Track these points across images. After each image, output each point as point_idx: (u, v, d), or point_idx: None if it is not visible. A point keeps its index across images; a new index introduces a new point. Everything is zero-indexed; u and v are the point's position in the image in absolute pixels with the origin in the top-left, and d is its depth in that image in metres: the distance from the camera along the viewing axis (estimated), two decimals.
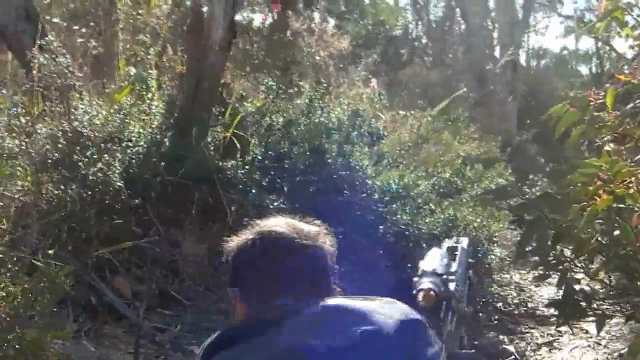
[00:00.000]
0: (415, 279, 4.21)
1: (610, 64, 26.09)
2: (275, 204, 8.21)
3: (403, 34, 27.12)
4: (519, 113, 24.43)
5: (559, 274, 5.09)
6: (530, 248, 5.14)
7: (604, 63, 28.84)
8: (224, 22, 8.83)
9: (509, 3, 26.70)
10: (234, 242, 2.38)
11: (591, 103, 5.31)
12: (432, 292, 4.03)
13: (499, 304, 9.77)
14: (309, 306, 2.16)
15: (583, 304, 4.88)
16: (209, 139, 8.73)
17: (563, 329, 7.82)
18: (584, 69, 33.04)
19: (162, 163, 8.17)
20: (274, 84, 9.68)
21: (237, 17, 11.61)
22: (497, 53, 26.31)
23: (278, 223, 2.40)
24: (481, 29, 26.69)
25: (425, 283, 4.09)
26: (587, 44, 32.07)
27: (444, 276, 4.28)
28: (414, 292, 4.14)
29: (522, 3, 28.83)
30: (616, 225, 4.64)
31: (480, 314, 8.93)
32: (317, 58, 13.24)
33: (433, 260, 4.34)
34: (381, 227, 8.56)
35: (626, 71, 5.50)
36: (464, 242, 4.89)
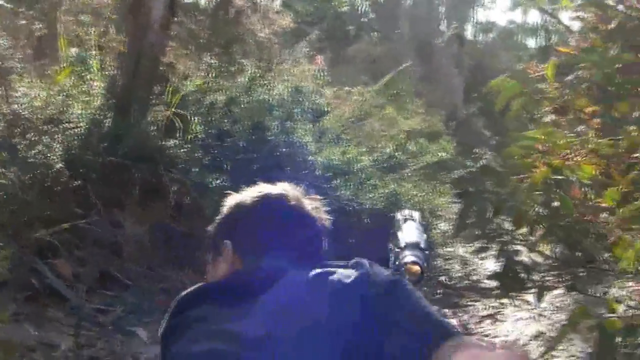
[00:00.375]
0: (397, 250, 4.13)
1: (558, 37, 26.23)
2: (217, 182, 8.17)
3: (350, 10, 27.05)
4: (465, 87, 24.49)
5: (499, 246, 5.10)
6: (470, 221, 5.13)
7: (551, 36, 28.98)
8: (164, 1, 8.75)
9: None
10: (234, 198, 2.36)
11: (532, 75, 5.30)
12: (417, 267, 3.96)
13: (443, 278, 9.81)
14: (299, 273, 2.14)
15: (523, 275, 4.88)
16: (151, 119, 8.66)
17: (507, 301, 7.87)
18: (531, 43, 33.18)
19: (104, 144, 8.10)
20: (216, 62, 9.61)
21: None
22: (444, 27, 26.34)
23: (284, 188, 2.39)
24: (428, 3, 26.72)
25: (409, 257, 4.03)
26: (534, 17, 32.10)
27: (426, 251, 4.22)
28: (396, 264, 4.07)
29: None
30: (555, 197, 4.65)
31: (425, 288, 8.95)
32: (261, 35, 13.14)
33: (413, 232, 4.28)
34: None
35: (572, 43, 5.49)
36: (417, 215, 4.85)
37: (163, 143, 8.38)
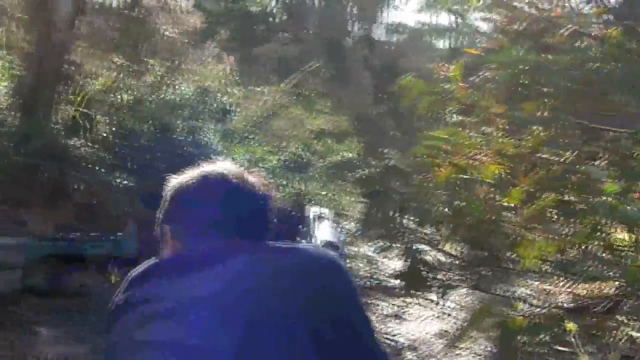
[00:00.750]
0: None
1: (467, 39, 26.48)
2: (124, 182, 8.08)
3: (260, 11, 26.97)
4: (374, 88, 24.53)
5: (404, 245, 5.11)
6: (376, 220, 5.13)
7: (461, 38, 29.25)
8: (70, 0, 8.64)
9: None
10: (173, 180, 2.27)
11: (440, 76, 5.33)
12: None
13: None
14: (240, 252, 2.07)
15: (427, 274, 4.90)
16: (57, 119, 8.53)
17: (411, 300, 7.90)
18: (441, 44, 33.40)
19: (9, 143, 7.96)
20: (124, 61, 9.52)
21: None
22: (353, 28, 26.37)
23: (223, 166, 2.28)
24: (338, 4, 26.73)
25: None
26: (445, 19, 32.41)
27: (339, 249, 4.17)
28: None
29: None
30: (460, 196, 4.67)
31: None
32: (170, 35, 13.01)
33: (327, 232, 4.22)
34: None
35: (480, 45, 5.53)
36: (329, 214, 4.82)
37: (69, 142, 8.25)
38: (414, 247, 4.83)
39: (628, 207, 3.86)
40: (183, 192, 2.18)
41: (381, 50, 26.74)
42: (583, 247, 4.55)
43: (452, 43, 30.18)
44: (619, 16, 5.48)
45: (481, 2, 5.81)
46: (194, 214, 2.19)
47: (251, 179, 2.20)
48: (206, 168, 2.21)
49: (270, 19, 27.05)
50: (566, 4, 5.75)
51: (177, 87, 9.31)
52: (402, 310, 8.19)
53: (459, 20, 26.89)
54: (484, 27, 6.53)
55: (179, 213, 2.20)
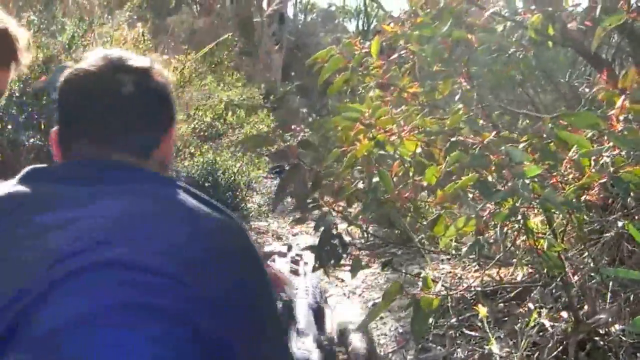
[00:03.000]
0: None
1: (377, 21, 26.64)
2: (32, 140, 7.84)
3: None
4: (284, 65, 24.56)
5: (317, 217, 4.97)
6: (288, 192, 4.99)
7: (371, 20, 29.44)
8: None
9: None
10: (70, 68, 1.95)
11: (356, 51, 5.21)
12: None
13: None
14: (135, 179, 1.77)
15: (339, 249, 4.77)
16: None
17: (322, 278, 7.81)
18: (351, 26, 33.56)
19: None
20: (35, 19, 9.23)
21: None
22: (265, 4, 26.28)
23: (97, 54, 1.97)
24: None
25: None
26: (355, 1, 32.70)
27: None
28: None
29: None
30: (375, 172, 4.56)
31: None
32: None
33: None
34: None
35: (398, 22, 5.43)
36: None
37: None
38: (326, 220, 4.68)
39: (547, 190, 3.80)
40: (58, 90, 1.90)
41: (292, 28, 26.79)
42: (499, 229, 4.49)
43: (362, 25, 30.44)
44: (538, 2, 5.44)
45: None
46: (62, 116, 1.91)
47: (131, 61, 1.92)
48: (104, 52, 1.93)
49: None
50: None
51: (90, 48, 9.04)
52: None
53: (369, 2, 27.07)
54: (395, 11, 6.45)
55: (65, 110, 1.92)
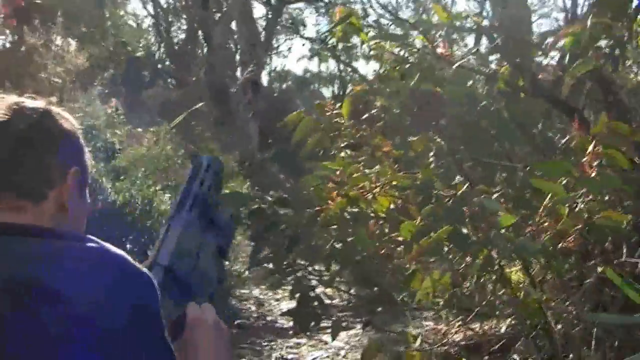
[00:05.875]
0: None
1: (353, 86, 26.66)
2: None
3: (146, 55, 26.90)
4: (261, 132, 24.57)
5: (293, 281, 4.92)
6: (264, 255, 4.94)
7: (346, 85, 29.55)
8: None
9: (251, 24, 26.78)
10: None
11: (328, 113, 5.22)
12: None
13: (238, 321, 9.57)
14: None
15: (319, 311, 4.71)
16: None
17: (303, 341, 7.73)
18: (326, 92, 33.62)
19: None
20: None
21: None
22: (239, 73, 26.41)
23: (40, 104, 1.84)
24: (223, 49, 26.77)
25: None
26: (330, 66, 32.74)
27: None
28: None
29: (264, 25, 29.07)
30: (350, 230, 4.53)
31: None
32: (54, 73, 12.80)
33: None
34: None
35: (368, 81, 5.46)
36: None
37: None
38: (304, 283, 4.63)
39: (522, 238, 3.78)
40: None
41: (267, 95, 26.90)
42: (477, 280, 4.46)
43: (337, 90, 30.57)
44: (506, 55, 5.48)
45: (371, 42, 5.70)
46: None
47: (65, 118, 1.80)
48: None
49: (158, 66, 27.00)
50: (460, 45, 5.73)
51: None
52: (294, 351, 7.99)
53: (343, 67, 27.22)
54: (370, 74, 6.48)
55: None
